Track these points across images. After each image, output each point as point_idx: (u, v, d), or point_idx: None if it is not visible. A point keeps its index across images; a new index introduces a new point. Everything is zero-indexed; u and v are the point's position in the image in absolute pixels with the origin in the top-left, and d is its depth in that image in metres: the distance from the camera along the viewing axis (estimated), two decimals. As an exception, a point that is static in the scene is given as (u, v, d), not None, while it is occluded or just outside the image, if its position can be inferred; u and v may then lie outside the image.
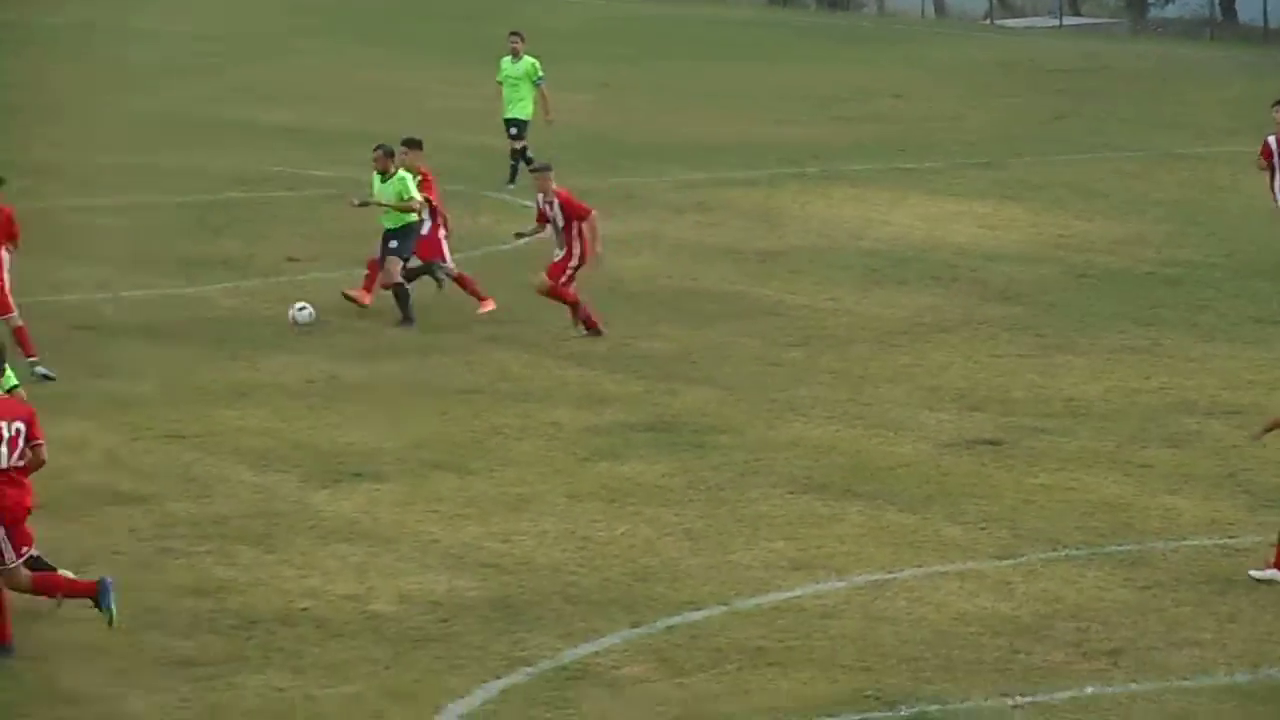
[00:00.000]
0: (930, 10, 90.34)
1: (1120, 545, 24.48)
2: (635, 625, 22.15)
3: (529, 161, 46.83)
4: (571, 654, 21.38)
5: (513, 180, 47.56)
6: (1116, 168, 50.00)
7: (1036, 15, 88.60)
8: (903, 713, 20.00)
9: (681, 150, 53.09)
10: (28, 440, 21.69)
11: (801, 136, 55.06)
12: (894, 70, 69.72)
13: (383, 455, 28.01)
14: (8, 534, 21.21)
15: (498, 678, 20.76)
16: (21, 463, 21.43)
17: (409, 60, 64.11)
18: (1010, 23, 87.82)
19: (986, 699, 20.35)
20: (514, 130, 47.95)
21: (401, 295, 34.98)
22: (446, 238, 36.63)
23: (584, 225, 34.13)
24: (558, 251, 34.15)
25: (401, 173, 35.29)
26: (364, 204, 36.32)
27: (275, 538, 24.74)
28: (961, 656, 21.35)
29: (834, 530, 25.18)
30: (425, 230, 36.24)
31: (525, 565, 23.94)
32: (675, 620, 22.31)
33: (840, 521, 25.48)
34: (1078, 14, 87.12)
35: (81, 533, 24.89)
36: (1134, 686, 20.66)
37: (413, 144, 37.07)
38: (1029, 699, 20.35)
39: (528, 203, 44.90)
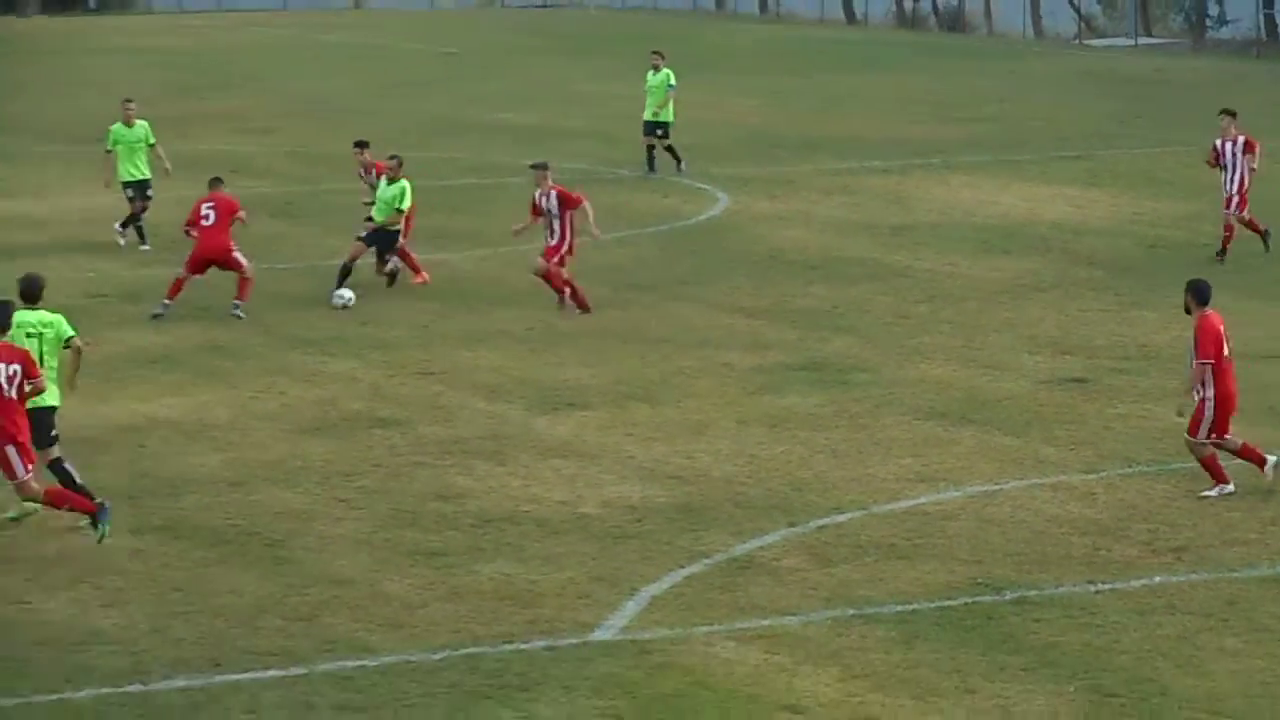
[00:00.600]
0: (1030, 32, 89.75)
1: (1184, 463, 24.29)
2: (791, 525, 22.18)
3: (676, 156, 46.79)
4: (740, 548, 21.43)
5: (651, 168, 47.25)
6: (1180, 159, 49.40)
7: (1115, 36, 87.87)
8: (1007, 597, 19.97)
9: (829, 144, 52.90)
10: (27, 377, 21.19)
11: (925, 134, 54.78)
12: (1000, 80, 69.25)
13: (590, 389, 28.09)
14: (17, 452, 21.04)
15: (681, 567, 20.83)
16: (16, 396, 21.00)
17: (607, 74, 64.22)
18: (1094, 42, 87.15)
19: (1075, 586, 20.31)
20: (659, 131, 47.34)
21: (344, 272, 33.46)
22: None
23: (574, 213, 32.76)
24: (550, 238, 32.68)
25: (403, 181, 33.91)
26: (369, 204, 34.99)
27: (504, 454, 24.86)
28: (1054, 552, 21.31)
29: (951, 450, 25.14)
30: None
31: (703, 477, 23.99)
32: (824, 522, 22.33)
33: (956, 443, 25.44)
34: (1149, 35, 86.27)
35: (351, 449, 25.10)
36: (1193, 576, 20.57)
37: (363, 145, 37.14)
38: (1109, 586, 20.29)
39: (702, 185, 45.06)
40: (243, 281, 32.26)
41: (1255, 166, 37.33)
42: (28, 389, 21.22)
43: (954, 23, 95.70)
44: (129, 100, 39.28)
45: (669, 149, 47.02)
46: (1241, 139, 37.25)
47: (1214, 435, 23.17)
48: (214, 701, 17.39)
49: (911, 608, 19.69)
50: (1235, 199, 37.16)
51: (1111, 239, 39.58)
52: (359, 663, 18.26)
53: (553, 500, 23.05)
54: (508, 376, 28.79)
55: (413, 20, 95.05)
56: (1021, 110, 61.08)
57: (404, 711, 17.17)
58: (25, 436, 21.17)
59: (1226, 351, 23.45)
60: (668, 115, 47.43)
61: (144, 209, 38.06)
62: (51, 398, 22.29)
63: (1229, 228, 37.15)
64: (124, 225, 38.19)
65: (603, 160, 48.55)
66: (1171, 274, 35.95)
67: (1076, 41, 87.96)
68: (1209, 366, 23.14)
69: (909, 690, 17.66)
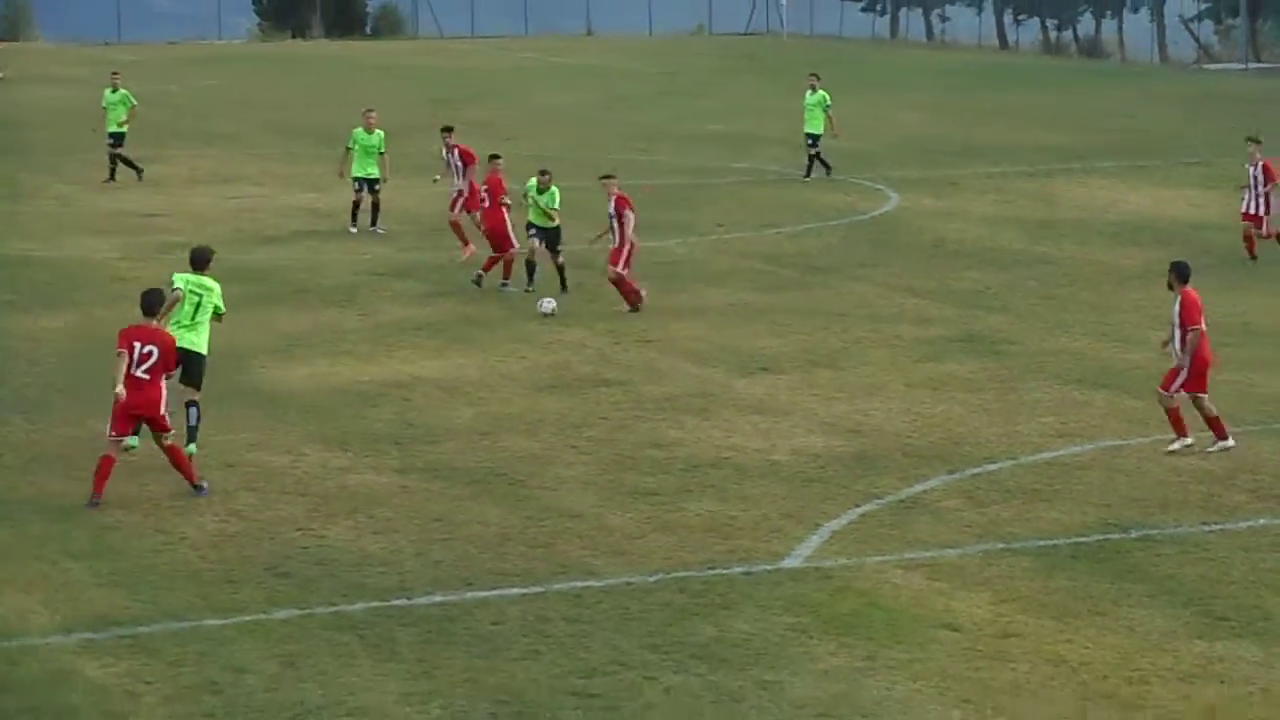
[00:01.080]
0: (1157, 58, 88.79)
1: (1285, 424, 24.08)
2: (950, 472, 22.11)
3: (826, 166, 46.46)
4: (907, 491, 21.39)
5: (808, 175, 46.65)
6: (1286, 165, 48.95)
7: (1230, 61, 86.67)
8: (1132, 535, 19.83)
9: (984, 151, 52.59)
10: (162, 363, 20.80)
11: (1066, 143, 54.32)
12: (1130, 98, 68.54)
13: (781, 356, 28.10)
14: (151, 421, 20.77)
15: (857, 506, 20.81)
16: (147, 375, 20.63)
17: (798, 91, 63.90)
18: (1211, 66, 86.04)
19: (1190, 526, 20.14)
20: (810, 141, 46.84)
21: (530, 267, 32.47)
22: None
23: (628, 216, 31.10)
24: (612, 241, 31.15)
25: (554, 188, 32.44)
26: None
27: (709, 410, 24.91)
28: (1173, 497, 21.13)
29: (1086, 410, 24.97)
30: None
31: (876, 431, 23.95)
32: (977, 470, 22.24)
33: (1090, 405, 25.26)
34: (1259, 60, 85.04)
35: (581, 404, 25.23)
36: (1293, 520, 20.39)
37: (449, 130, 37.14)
38: (1220, 526, 20.11)
39: (877, 185, 44.90)
40: (507, 261, 32.65)
41: (1267, 190, 35.78)
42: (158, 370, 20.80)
43: (1092, 49, 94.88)
44: (370, 110, 39.75)
45: (814, 157, 46.66)
46: (1262, 163, 35.88)
47: (1188, 390, 22.83)
48: (466, 615, 17.55)
49: (1051, 543, 19.59)
50: (1255, 219, 35.86)
51: (1223, 233, 39.09)
52: (586, 583, 18.37)
53: (749, 449, 23.08)
54: (712, 344, 28.85)
55: (634, 44, 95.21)
56: (1148, 124, 60.49)
57: (624, 625, 17.26)
58: (150, 411, 20.67)
59: (1203, 322, 23.12)
60: (818, 129, 46.76)
61: (362, 202, 38.52)
62: (201, 347, 22.62)
63: (1248, 237, 35.82)
64: (354, 217, 38.58)
65: (792, 165, 48.47)
66: (1271, 263, 35.60)
67: (1196, 66, 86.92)
68: (1199, 331, 22.88)
69: (1049, 612, 17.59)
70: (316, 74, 77.38)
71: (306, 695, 15.69)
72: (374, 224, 38.54)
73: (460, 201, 35.83)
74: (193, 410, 22.48)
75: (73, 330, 29.95)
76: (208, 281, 23.06)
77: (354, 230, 38.53)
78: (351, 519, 20.35)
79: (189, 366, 22.32)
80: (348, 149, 38.95)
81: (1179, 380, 22.96)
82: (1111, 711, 15.40)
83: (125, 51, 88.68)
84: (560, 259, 32.49)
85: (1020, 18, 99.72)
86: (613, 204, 31.50)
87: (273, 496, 21.16)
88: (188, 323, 22.57)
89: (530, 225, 32.34)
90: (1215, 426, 23.10)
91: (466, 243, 35.03)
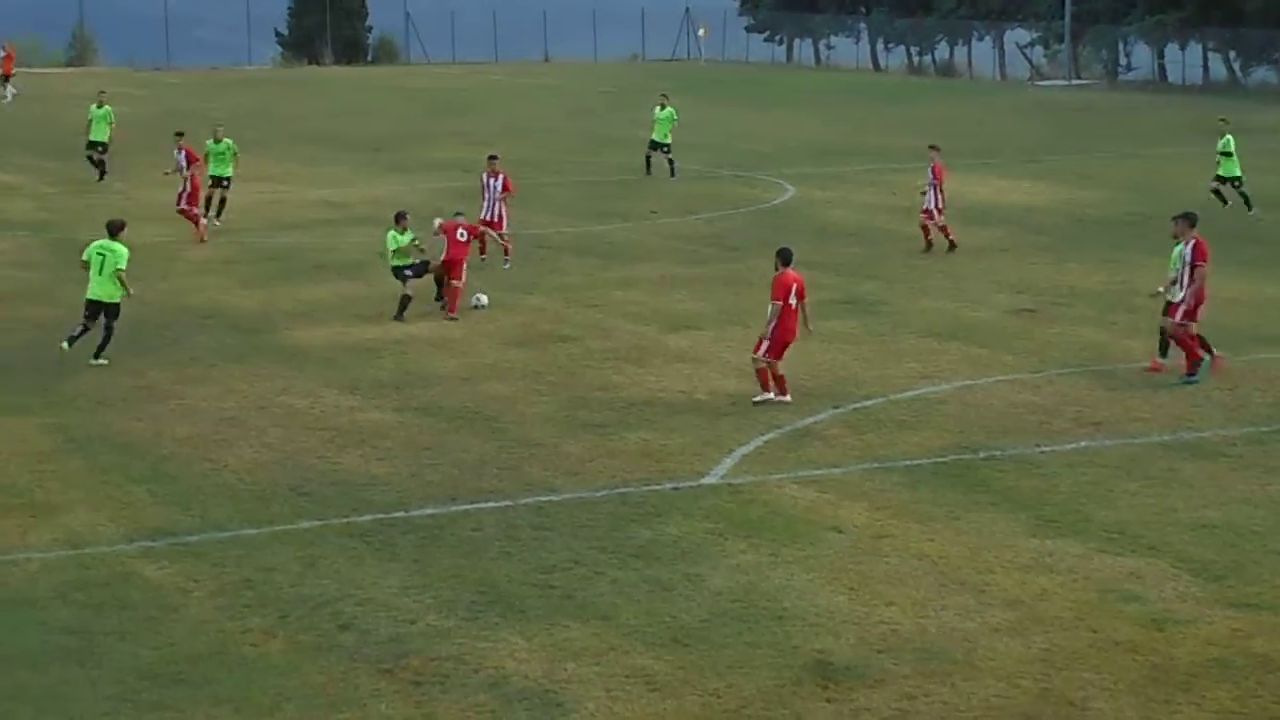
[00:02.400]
0: (998, 76, 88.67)
1: (1100, 367, 24.13)
2: (835, 407, 22.14)
3: (673, 168, 45.46)
4: (801, 423, 21.42)
5: (648, 172, 45.60)
6: (1099, 162, 49.04)
7: (1056, 79, 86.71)
8: (980, 455, 19.91)
9: (863, 153, 52.59)
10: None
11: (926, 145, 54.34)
12: (977, 109, 68.49)
13: (701, 316, 28.08)
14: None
15: (761, 435, 20.83)
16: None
17: (713, 105, 64.02)
18: (1042, 83, 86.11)
19: (1026, 448, 20.23)
20: (662, 147, 45.59)
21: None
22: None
23: (509, 196, 31.45)
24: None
25: (409, 230, 28.22)
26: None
27: (644, 360, 24.90)
28: (1013, 425, 21.22)
29: (943, 358, 25.02)
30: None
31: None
32: (857, 405, 22.29)
33: (945, 353, 25.31)
34: (1079, 78, 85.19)
35: (542, 356, 25.16)
36: (1107, 443, 20.44)
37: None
38: (1050, 448, 20.21)
39: (777, 180, 44.75)
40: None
41: (934, 185, 33.69)
42: None
43: (947, 71, 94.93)
44: (220, 125, 39.27)
45: (670, 161, 45.72)
46: (933, 165, 34.04)
47: (1186, 319, 23.13)
48: (452, 523, 17.54)
49: (916, 463, 19.65)
50: (929, 214, 33.72)
51: (1052, 215, 39.27)
52: (548, 498, 18.37)
53: (676, 390, 23.08)
54: (646, 308, 28.81)
55: (583, 68, 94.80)
56: (991, 130, 60.54)
57: (578, 530, 17.27)
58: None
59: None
60: (664, 137, 45.82)
61: (213, 196, 37.64)
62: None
63: (925, 228, 33.71)
64: (206, 208, 37.45)
65: (710, 164, 48.39)
66: (1093, 240, 35.72)
67: (1029, 83, 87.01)
68: (1205, 269, 23.15)
69: (914, 517, 17.66)
70: (328, 93, 76.86)
71: (324, 589, 15.67)
72: (218, 216, 37.44)
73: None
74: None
75: (135, 300, 29.64)
76: (118, 246, 24.75)
77: (219, 223, 37.36)
78: (360, 448, 20.30)
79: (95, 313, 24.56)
80: (205, 155, 37.61)
81: (1181, 311, 23.06)
82: (965, 595, 15.48)
83: (173, 75, 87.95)
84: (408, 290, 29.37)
85: (889, 45, 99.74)
86: (498, 181, 32.13)
87: (296, 431, 21.08)
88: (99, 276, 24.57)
89: (396, 269, 28.19)
90: (1205, 346, 23.26)
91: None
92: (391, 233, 28.24)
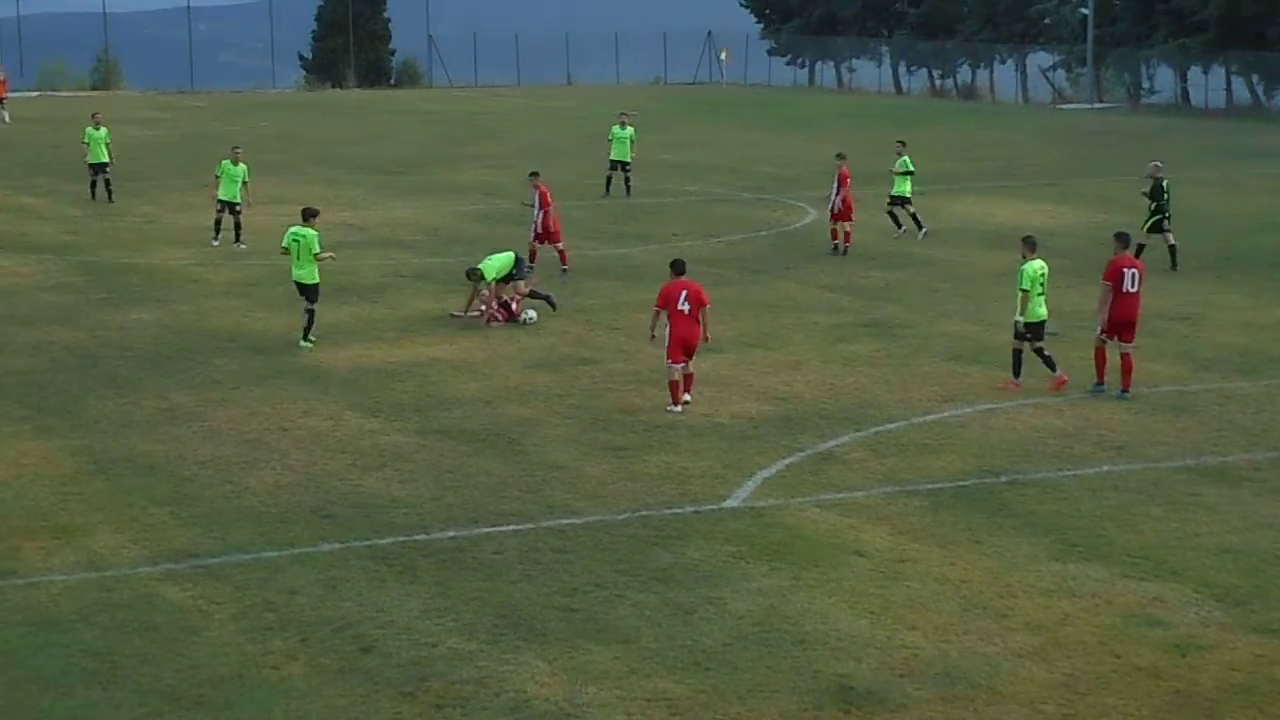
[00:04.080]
0: (1021, 99, 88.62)
1: (1112, 392, 24.09)
2: (857, 431, 22.11)
3: (628, 188, 46.24)
4: (823, 446, 21.39)
5: (607, 193, 46.27)
6: (1121, 185, 48.90)
7: (1079, 101, 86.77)
8: (1002, 479, 19.87)
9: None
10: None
11: (949, 168, 54.22)
12: (999, 132, 68.44)
13: (722, 339, 27.86)
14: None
15: (783, 458, 20.82)
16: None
17: (735, 128, 64.14)
18: (1064, 106, 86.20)
19: (1048, 472, 20.19)
20: (621, 166, 46.56)
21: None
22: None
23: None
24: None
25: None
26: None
27: (664, 383, 24.90)
28: (1035, 449, 21.18)
29: (964, 381, 24.98)
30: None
31: (798, 398, 23.95)
32: (879, 428, 22.26)
33: (968, 376, 25.28)
34: (1102, 101, 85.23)
35: (564, 379, 25.16)
36: (1130, 466, 20.40)
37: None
38: (1072, 472, 20.18)
39: (799, 203, 44.71)
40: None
41: (844, 194, 36.49)
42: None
43: (969, 93, 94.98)
44: (237, 147, 39.48)
45: (627, 180, 46.31)
46: (840, 172, 36.90)
47: (1105, 336, 23.85)
48: (473, 546, 17.54)
49: (938, 486, 19.62)
50: (836, 218, 36.65)
51: (1073, 239, 39.19)
52: (569, 521, 18.37)
53: (698, 413, 23.06)
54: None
55: (605, 92, 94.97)
56: (1014, 152, 60.53)
57: (599, 553, 17.26)
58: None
59: (1128, 285, 23.86)
60: (625, 155, 46.53)
61: (223, 220, 38.16)
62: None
63: (834, 232, 36.66)
64: (216, 233, 38.22)
65: (731, 187, 48.45)
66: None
67: (1052, 106, 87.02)
68: (1107, 286, 23.84)
69: (936, 541, 17.62)
70: (351, 116, 77.10)
71: (346, 612, 15.68)
72: (237, 240, 37.80)
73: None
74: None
75: (157, 322, 29.84)
76: (308, 231, 27.03)
77: (216, 244, 37.78)
78: (382, 471, 20.32)
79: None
80: (216, 177, 38.27)
81: (1101, 325, 23.96)
82: (987, 620, 15.44)
83: (197, 98, 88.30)
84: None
85: (912, 68, 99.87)
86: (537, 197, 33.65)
87: (318, 453, 21.11)
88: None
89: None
90: (1110, 363, 24.05)
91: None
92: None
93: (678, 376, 23.07)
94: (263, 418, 22.78)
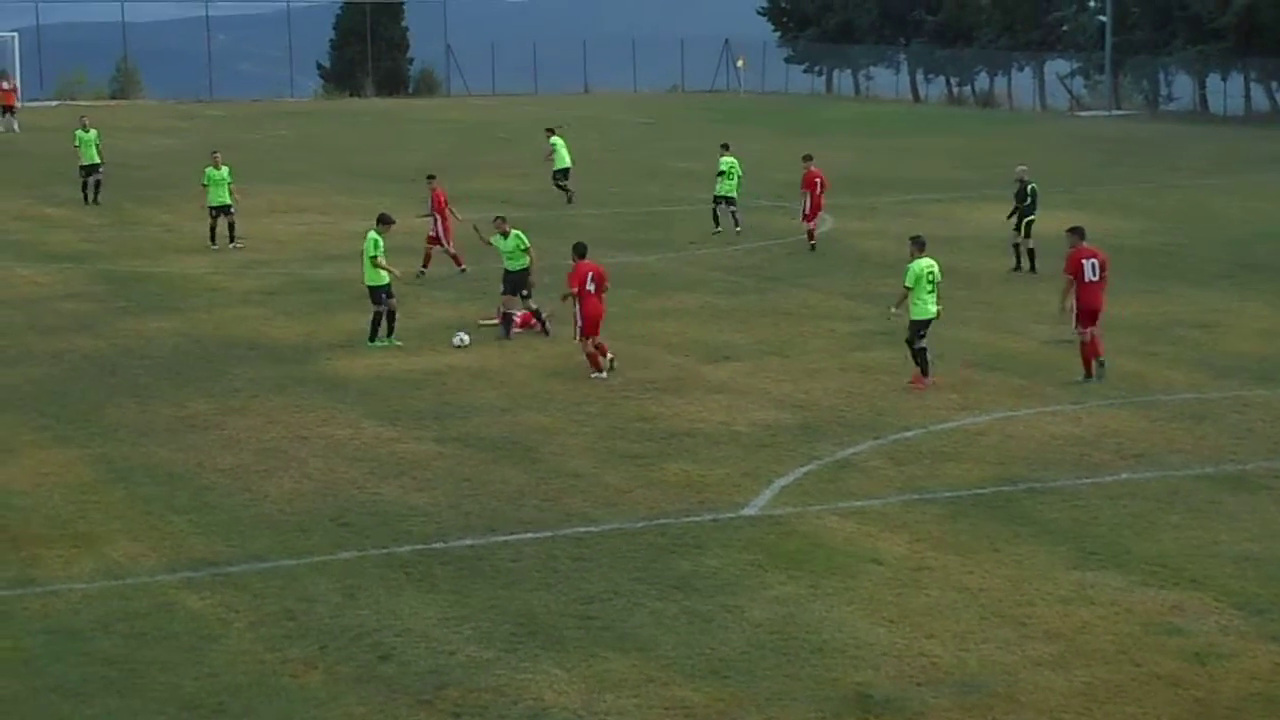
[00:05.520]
0: (1038, 106, 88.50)
1: (1141, 398, 24.04)
2: (875, 438, 22.10)
3: (568, 192, 47.42)
4: (841, 454, 21.38)
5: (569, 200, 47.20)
6: (1139, 192, 48.94)
7: (1096, 109, 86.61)
8: (1020, 487, 19.83)
9: (900, 183, 52.61)
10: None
11: (964, 177, 54.23)
12: (1016, 140, 68.39)
13: (740, 346, 28.09)
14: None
15: (801, 466, 20.81)
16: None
17: (752, 136, 64.03)
18: (1082, 113, 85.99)
19: (1066, 480, 20.16)
20: (562, 176, 47.84)
21: (507, 320, 29.08)
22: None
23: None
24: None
25: (515, 232, 29.14)
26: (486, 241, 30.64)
27: (683, 390, 24.90)
28: (1053, 457, 21.14)
29: (984, 388, 24.97)
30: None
31: (816, 405, 23.94)
32: (897, 436, 22.24)
33: (986, 384, 25.26)
34: (1119, 108, 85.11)
35: (581, 386, 25.18)
36: (1148, 474, 20.35)
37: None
38: (1090, 480, 20.13)
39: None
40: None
41: (819, 196, 38.13)
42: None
43: (987, 101, 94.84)
44: (216, 151, 40.45)
45: (565, 187, 47.82)
46: (808, 174, 38.63)
47: (1078, 327, 24.92)
48: (491, 554, 17.55)
49: (956, 494, 19.60)
50: (807, 218, 38.28)
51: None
52: (587, 529, 18.37)
53: (715, 421, 23.07)
54: (685, 338, 28.83)
55: (623, 99, 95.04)
56: (1030, 160, 60.33)
57: (617, 561, 17.26)
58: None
59: (1089, 275, 24.84)
60: (564, 163, 47.98)
61: (218, 224, 39.14)
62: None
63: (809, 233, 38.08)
64: (212, 238, 39.29)
65: (749, 194, 48.40)
66: (1133, 270, 35.55)
67: (1069, 113, 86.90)
68: (1069, 280, 24.82)
69: (954, 549, 17.60)
70: (369, 125, 77.23)
71: (364, 620, 15.69)
72: (232, 241, 39.03)
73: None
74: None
75: (176, 330, 29.91)
76: (371, 234, 28.10)
77: (215, 247, 38.94)
78: (400, 479, 20.34)
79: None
80: (203, 185, 39.41)
81: (1072, 316, 24.95)
82: (1006, 628, 15.41)
83: (215, 107, 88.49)
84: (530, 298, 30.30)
85: (929, 76, 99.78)
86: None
87: (337, 462, 21.14)
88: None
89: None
90: (1094, 352, 24.98)
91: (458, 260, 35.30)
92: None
93: (591, 349, 25.37)
94: (281, 426, 22.82)
